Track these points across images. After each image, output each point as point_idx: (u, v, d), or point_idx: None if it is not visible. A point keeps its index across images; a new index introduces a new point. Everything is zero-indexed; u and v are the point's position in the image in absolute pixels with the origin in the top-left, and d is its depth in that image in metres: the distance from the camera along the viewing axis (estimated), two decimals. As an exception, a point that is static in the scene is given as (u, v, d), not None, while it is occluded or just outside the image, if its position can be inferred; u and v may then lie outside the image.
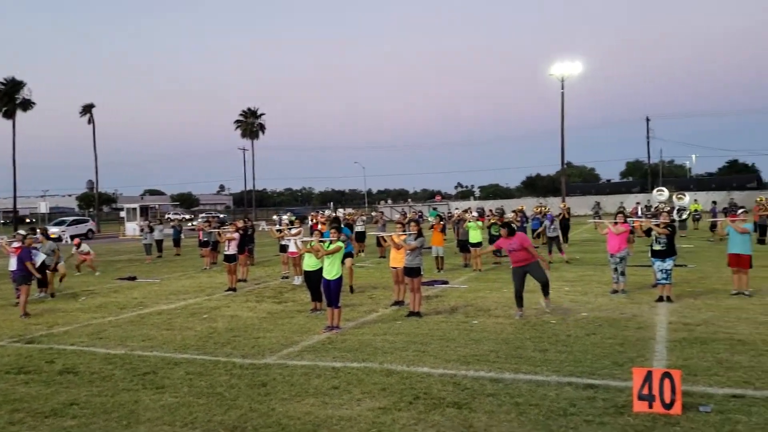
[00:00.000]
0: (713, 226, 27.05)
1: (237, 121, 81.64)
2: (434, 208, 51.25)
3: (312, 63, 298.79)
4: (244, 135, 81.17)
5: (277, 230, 18.28)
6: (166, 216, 38.11)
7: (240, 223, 19.03)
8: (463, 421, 5.93)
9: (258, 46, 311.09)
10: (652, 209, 28.41)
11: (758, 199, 26.95)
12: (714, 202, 30.73)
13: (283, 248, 18.10)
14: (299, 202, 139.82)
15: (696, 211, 30.32)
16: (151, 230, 27.17)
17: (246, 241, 18.96)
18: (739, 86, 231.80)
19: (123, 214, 57.31)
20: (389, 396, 6.73)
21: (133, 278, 19.51)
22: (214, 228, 21.07)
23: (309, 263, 11.85)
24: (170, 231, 30.84)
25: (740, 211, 13.68)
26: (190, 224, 46.04)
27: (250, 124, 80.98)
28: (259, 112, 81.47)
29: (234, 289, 15.63)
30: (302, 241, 12.32)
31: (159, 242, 27.79)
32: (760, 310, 10.86)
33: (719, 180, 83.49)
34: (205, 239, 22.94)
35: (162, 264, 24.81)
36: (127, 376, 7.92)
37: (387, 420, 5.99)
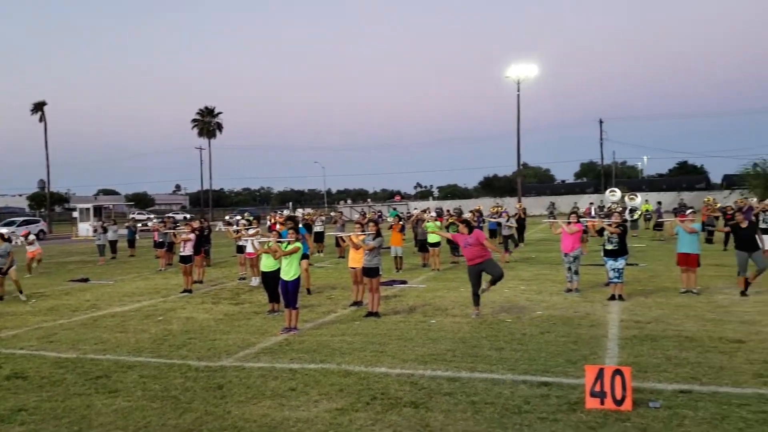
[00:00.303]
0: (658, 226, 27.85)
1: (194, 120, 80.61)
2: (394, 208, 51.42)
3: (270, 62, 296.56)
4: (201, 134, 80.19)
5: (234, 231, 18.10)
6: (130, 216, 37.19)
7: (196, 224, 18.79)
8: (420, 420, 5.98)
9: (214, 44, 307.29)
10: (605, 209, 29.02)
11: (706, 199, 27.81)
12: (659, 203, 31.55)
13: (240, 249, 17.92)
14: (257, 202, 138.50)
15: (647, 211, 31.10)
16: (105, 231, 26.60)
17: (202, 242, 18.74)
18: (688, 90, 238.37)
19: (76, 214, 55.90)
20: (346, 397, 6.74)
21: (86, 280, 19.10)
22: (170, 228, 20.78)
23: (266, 264, 11.79)
24: (124, 231, 30.24)
25: (689, 211, 14.10)
26: (147, 224, 45.21)
27: (207, 123, 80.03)
28: (216, 111, 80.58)
29: (190, 291, 15.43)
30: (259, 242, 12.23)
31: (113, 243, 27.23)
32: (707, 308, 11.20)
33: (669, 181, 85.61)
34: (161, 240, 22.60)
35: (116, 265, 24.33)
36: (78, 381, 7.76)
37: (344, 421, 6.01)
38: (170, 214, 48.69)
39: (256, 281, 16.01)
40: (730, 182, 69.78)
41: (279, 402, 6.66)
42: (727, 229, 13.01)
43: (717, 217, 26.41)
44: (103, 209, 54.05)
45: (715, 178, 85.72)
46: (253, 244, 15.21)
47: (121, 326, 11.36)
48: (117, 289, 16.80)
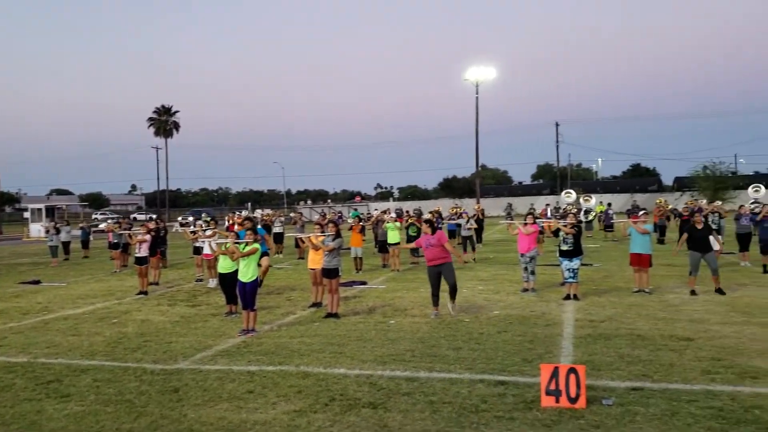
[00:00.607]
0: (608, 227, 28.52)
1: (150, 119, 79.22)
2: (355, 209, 51.43)
3: (228, 61, 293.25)
4: (157, 133, 78.88)
5: (191, 232, 17.88)
6: (93, 217, 36.34)
7: (152, 225, 18.51)
8: (378, 420, 6.00)
9: (170, 42, 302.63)
10: (561, 211, 29.53)
11: (658, 201, 28.57)
12: (609, 204, 32.25)
13: (197, 250, 17.74)
14: (215, 203, 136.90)
15: (601, 212, 31.74)
16: (58, 231, 25.97)
17: (158, 243, 18.45)
18: (642, 93, 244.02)
19: (27, 214, 54.46)
20: (305, 398, 6.72)
21: (37, 282, 18.62)
22: (125, 229, 20.42)
23: (224, 265, 11.67)
24: (78, 232, 29.58)
25: (641, 212, 14.44)
26: (99, 224, 44.28)
27: (164, 122, 78.74)
28: (173, 110, 79.36)
29: (145, 293, 15.18)
30: (217, 243, 12.10)
31: (66, 244, 26.62)
32: (658, 307, 11.50)
33: (623, 183, 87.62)
34: (115, 241, 22.20)
35: (69, 267, 23.79)
36: (29, 385, 7.56)
37: (302, 423, 5.99)
38: (134, 215, 47.84)
39: (213, 283, 15.85)
40: (682, 184, 71.74)
41: (236, 404, 6.60)
42: (685, 236, 13.36)
43: (668, 218, 27.17)
44: (55, 209, 52.76)
45: (667, 180, 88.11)
46: (210, 245, 15.06)
47: (74, 329, 11.11)
48: (70, 292, 16.42)
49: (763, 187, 28.34)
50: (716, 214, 18.73)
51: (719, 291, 12.61)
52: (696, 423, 5.71)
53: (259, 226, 16.75)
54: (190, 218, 51.09)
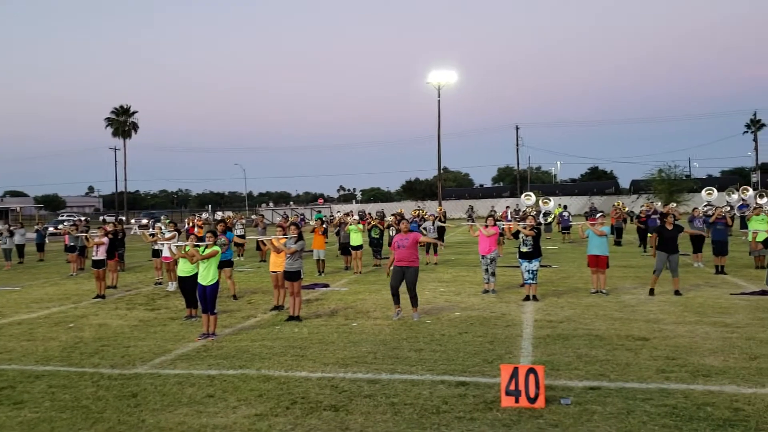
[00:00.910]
0: (565, 229, 29.04)
1: (108, 119, 77.72)
2: (318, 211, 51.27)
3: (189, 62, 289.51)
4: (115, 134, 77.38)
5: (150, 234, 17.60)
6: (60, 219, 35.19)
7: (109, 227, 18.16)
8: (340, 423, 6.00)
9: (130, 41, 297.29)
10: (521, 213, 29.90)
11: (615, 203, 29.15)
12: (564, 206, 32.82)
13: (156, 253, 17.47)
14: (175, 205, 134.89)
15: (560, 214, 32.28)
16: (12, 234, 25.31)
17: (116, 246, 18.12)
18: (600, 98, 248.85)
19: (-22, 217, 52.97)
20: (266, 402, 6.68)
21: (-11, 286, 18.10)
22: (82, 231, 20.01)
23: (183, 268, 11.54)
24: (33, 235, 28.86)
25: (599, 215, 14.72)
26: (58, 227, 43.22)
27: (122, 123, 77.32)
28: (132, 110, 78.00)
29: (103, 296, 14.89)
30: (176, 246, 11.95)
31: (20, 247, 25.96)
32: (615, 308, 11.74)
33: (581, 186, 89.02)
34: (72, 244, 21.72)
35: (23, 270, 23.19)
36: (-20, 393, 7.36)
37: (263, 426, 5.95)
38: (103, 217, 46.85)
39: (172, 286, 15.65)
40: (638, 187, 73.40)
41: (196, 409, 6.53)
42: (654, 235, 13.66)
43: (625, 220, 27.77)
44: (9, 212, 51.40)
45: (624, 183, 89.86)
46: (169, 248, 14.85)
47: (28, 334, 10.84)
48: (24, 296, 16.01)
49: (715, 190, 29.12)
50: (672, 216, 19.13)
51: (677, 293, 12.93)
52: (651, 421, 5.84)
53: (230, 231, 16.61)
54: (144, 220, 50.43)
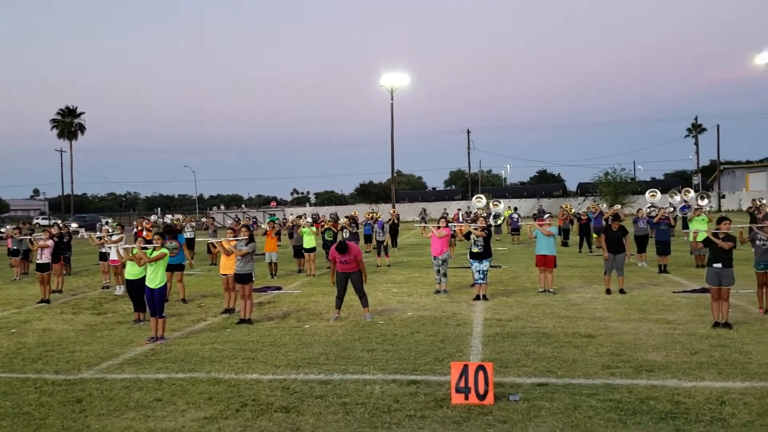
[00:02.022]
0: (515, 230, 29.57)
1: (53, 120, 75.59)
2: (273, 214, 50.83)
3: (136, 63, 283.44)
4: (61, 135, 75.34)
5: (97, 237, 17.19)
6: (34, 222, 33.61)
7: (54, 230, 17.68)
8: (291, 424, 5.98)
9: (77, 42, 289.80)
10: (472, 215, 30.25)
11: (563, 205, 29.75)
12: (515, 209, 33.43)
13: (104, 256, 17.09)
14: (123, 208, 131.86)
15: (509, 216, 32.77)
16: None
17: (61, 249, 17.66)
18: (549, 102, 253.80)
19: None
20: (215, 405, 6.61)
21: (-75, 293, 17.37)
22: (25, 234, 19.42)
23: (131, 272, 11.32)
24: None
25: (546, 216, 15.01)
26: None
27: (68, 124, 75.30)
28: (78, 111, 76.02)
29: (47, 301, 14.49)
30: (124, 249, 11.72)
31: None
32: (562, 306, 11.99)
33: (530, 188, 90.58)
34: (15, 247, 21.05)
35: (-39, 276, 22.32)
36: None
37: (212, 429, 5.89)
38: (68, 222, 45.38)
39: (120, 290, 15.34)
40: (584, 189, 75.03)
41: (143, 413, 6.42)
42: (603, 236, 13.99)
43: (572, 222, 28.36)
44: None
45: (571, 185, 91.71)
46: (117, 251, 14.56)
47: (-34, 341, 10.46)
48: (-38, 302, 15.42)
49: (659, 192, 29.95)
50: (607, 218, 19.65)
51: (622, 291, 13.28)
52: (596, 415, 5.99)
53: (180, 234, 16.36)
54: (73, 225, 49.37)
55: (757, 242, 10.79)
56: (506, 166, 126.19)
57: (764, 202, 26.27)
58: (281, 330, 10.48)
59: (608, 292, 13.27)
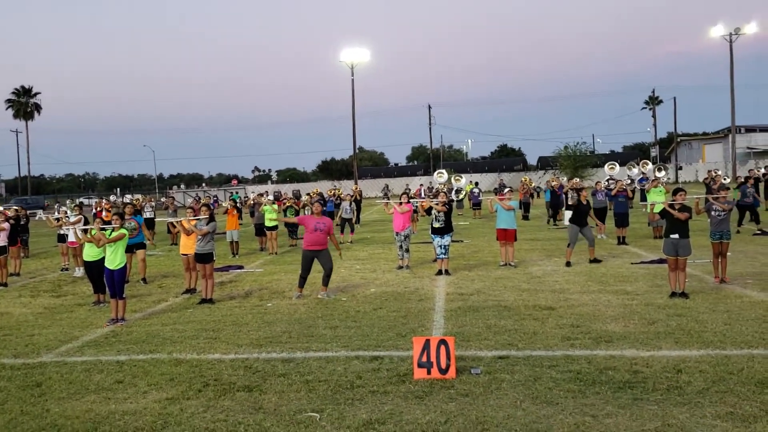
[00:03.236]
0: (476, 205, 29.83)
1: (8, 101, 73.34)
2: (236, 192, 50.27)
3: (92, 41, 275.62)
4: (16, 116, 73.23)
5: (55, 219, 16.79)
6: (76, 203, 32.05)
7: (11, 212, 17.21)
8: (254, 403, 5.96)
9: (31, 19, 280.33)
10: (433, 190, 30.39)
11: (523, 179, 30.05)
12: (476, 183, 33.63)
13: (62, 238, 16.74)
14: (82, 189, 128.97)
15: (471, 191, 33.03)
16: None
17: (19, 232, 17.21)
18: (508, 77, 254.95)
19: None
20: (177, 386, 6.55)
21: None
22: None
23: (90, 253, 11.11)
24: None
25: (506, 190, 15.14)
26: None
27: (24, 104, 73.11)
28: (34, 91, 73.83)
29: (5, 284, 14.14)
30: (82, 230, 11.48)
31: None
32: (523, 279, 12.16)
33: (491, 163, 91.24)
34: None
35: None
36: None
37: (174, 410, 5.84)
38: (8, 205, 43.98)
39: (79, 272, 15.07)
40: (545, 163, 75.92)
41: (104, 396, 6.33)
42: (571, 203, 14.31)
43: (532, 195, 28.71)
44: None
45: (532, 159, 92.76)
46: (75, 232, 14.26)
47: None
48: None
49: (617, 165, 30.47)
50: (574, 191, 19.93)
51: (595, 260, 13.67)
52: (556, 386, 6.10)
53: (139, 215, 16.06)
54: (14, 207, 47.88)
55: (713, 213, 11.06)
56: (467, 141, 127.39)
57: (719, 173, 26.96)
58: (243, 309, 10.42)
59: (568, 264, 13.49)
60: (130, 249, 11.67)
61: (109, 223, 10.45)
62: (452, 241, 13.71)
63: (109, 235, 9.93)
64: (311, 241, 11.13)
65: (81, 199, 45.10)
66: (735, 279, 11.16)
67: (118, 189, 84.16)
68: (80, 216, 15.89)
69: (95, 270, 11.07)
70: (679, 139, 78.66)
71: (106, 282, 10.02)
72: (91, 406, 6.04)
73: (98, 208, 23.88)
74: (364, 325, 8.89)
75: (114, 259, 9.84)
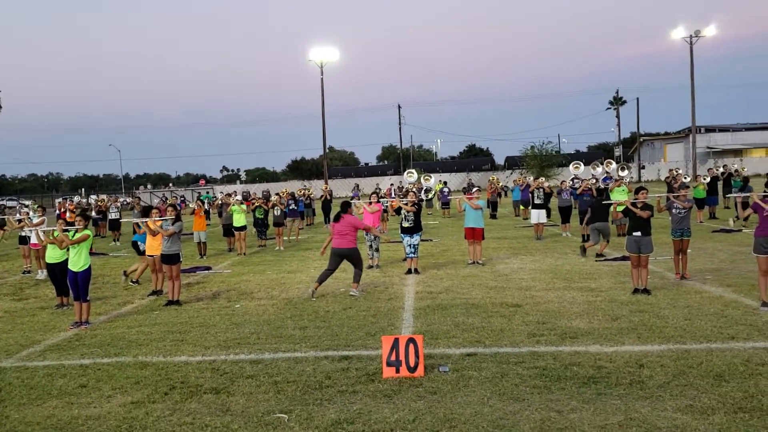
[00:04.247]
0: (445, 204, 30.02)
1: (-35, 98, 71.30)
2: (207, 192, 49.75)
3: (56, 38, 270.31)
4: (-26, 113, 71.21)
5: (17, 220, 16.43)
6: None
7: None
8: (221, 405, 5.92)
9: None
10: (403, 190, 30.45)
11: (491, 178, 30.31)
12: (444, 182, 33.83)
13: (24, 240, 16.38)
14: (46, 189, 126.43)
15: (440, 190, 33.20)
16: None
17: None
18: (476, 78, 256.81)
19: None
20: (143, 389, 6.47)
21: None
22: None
23: (52, 255, 10.91)
24: None
25: (474, 189, 15.26)
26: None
27: (-19, 102, 71.19)
28: (-9, 88, 72.00)
29: (-39, 289, 13.80)
30: (44, 232, 11.26)
31: None
32: (490, 277, 12.26)
33: (460, 162, 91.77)
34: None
35: None
36: None
37: (140, 414, 5.77)
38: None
39: (42, 274, 14.76)
40: (512, 163, 76.67)
41: (67, 401, 6.22)
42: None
43: (500, 194, 28.96)
44: None
45: (499, 159, 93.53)
46: (37, 234, 13.98)
47: None
48: None
49: (582, 164, 30.86)
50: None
51: (601, 255, 14.29)
52: (523, 383, 6.17)
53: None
54: None
55: (674, 211, 11.29)
56: (437, 141, 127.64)
57: (680, 172, 27.48)
58: (211, 311, 10.33)
59: (599, 256, 14.16)
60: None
61: (72, 224, 10.27)
62: (421, 240, 13.77)
63: (73, 237, 9.76)
64: (339, 240, 11.04)
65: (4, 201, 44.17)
66: (695, 275, 11.41)
67: (83, 189, 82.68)
68: (43, 217, 15.58)
69: (58, 272, 10.88)
70: (641, 139, 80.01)
71: (70, 284, 9.85)
72: (53, 412, 5.94)
73: (62, 209, 23.47)
74: (333, 325, 8.88)
75: (78, 261, 9.68)
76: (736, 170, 28.34)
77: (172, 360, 7.49)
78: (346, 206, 11.19)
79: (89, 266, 9.83)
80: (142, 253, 13.13)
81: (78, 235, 9.74)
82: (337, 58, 60.05)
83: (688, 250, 11.56)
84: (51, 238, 10.49)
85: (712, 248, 15.00)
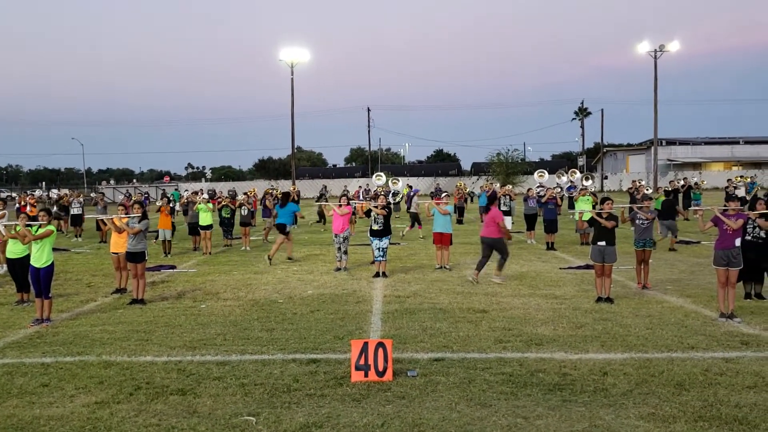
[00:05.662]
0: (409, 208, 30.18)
1: None
2: (176, 189, 48.96)
3: (17, 28, 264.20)
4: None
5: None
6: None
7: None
8: (187, 407, 5.86)
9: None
10: (372, 192, 30.51)
11: (458, 184, 30.59)
12: (410, 186, 34.03)
13: (-19, 234, 15.94)
14: (4, 182, 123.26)
15: (407, 194, 33.39)
16: None
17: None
18: (446, 84, 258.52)
19: None
20: (107, 389, 6.37)
21: None
22: None
23: (13, 250, 10.66)
24: None
25: (444, 195, 15.36)
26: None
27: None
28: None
29: None
30: (5, 226, 11.00)
31: None
32: (458, 282, 12.35)
33: (428, 167, 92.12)
34: None
35: None
36: None
37: (104, 414, 5.68)
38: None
39: (2, 269, 14.39)
40: (479, 169, 77.37)
41: (28, 400, 6.09)
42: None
43: (466, 200, 29.22)
44: None
45: (466, 165, 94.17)
46: (-4, 228, 13.64)
47: None
48: None
49: (546, 173, 31.37)
50: (507, 197, 20.42)
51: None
52: (490, 388, 6.24)
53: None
54: None
55: (637, 221, 11.52)
56: (405, 145, 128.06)
57: (643, 183, 28.05)
58: (176, 310, 10.20)
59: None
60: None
61: (35, 218, 10.06)
62: (390, 243, 13.81)
63: (36, 232, 9.55)
64: (485, 229, 12.51)
65: None
66: (656, 285, 11.65)
67: (44, 183, 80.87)
68: (4, 211, 15.23)
69: (19, 268, 10.64)
70: (605, 150, 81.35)
71: (32, 281, 9.64)
72: (14, 411, 5.81)
73: (22, 203, 22.93)
74: (301, 327, 8.85)
75: (40, 256, 9.48)
76: (696, 183, 29.08)
77: (137, 360, 7.39)
78: (493, 199, 12.93)
79: (52, 262, 9.63)
80: None
81: (41, 231, 9.54)
82: (308, 59, 59.95)
83: (650, 261, 11.80)
84: (13, 232, 10.25)
85: (672, 259, 15.33)
